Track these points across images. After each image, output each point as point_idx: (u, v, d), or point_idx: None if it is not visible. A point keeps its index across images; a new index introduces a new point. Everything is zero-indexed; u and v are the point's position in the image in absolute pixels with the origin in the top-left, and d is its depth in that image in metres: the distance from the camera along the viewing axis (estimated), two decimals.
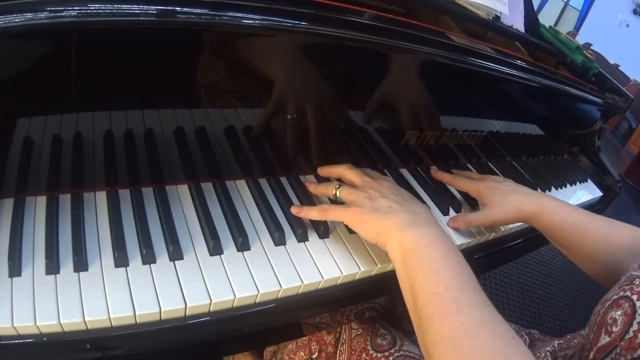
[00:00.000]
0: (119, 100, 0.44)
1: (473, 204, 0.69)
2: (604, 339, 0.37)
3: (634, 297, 0.37)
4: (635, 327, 0.35)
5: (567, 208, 0.58)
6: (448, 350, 0.36)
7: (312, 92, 0.54)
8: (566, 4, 5.95)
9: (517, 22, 0.85)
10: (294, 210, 0.52)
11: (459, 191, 0.70)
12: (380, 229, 0.46)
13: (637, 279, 0.38)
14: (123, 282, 0.40)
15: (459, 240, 0.62)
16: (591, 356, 0.38)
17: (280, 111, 0.52)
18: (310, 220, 0.53)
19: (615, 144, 4.80)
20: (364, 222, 0.48)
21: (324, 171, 0.58)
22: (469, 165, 0.80)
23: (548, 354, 0.55)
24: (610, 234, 0.55)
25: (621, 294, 0.38)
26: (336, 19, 0.48)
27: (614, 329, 0.37)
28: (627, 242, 0.54)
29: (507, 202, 0.60)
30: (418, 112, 0.66)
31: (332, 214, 0.50)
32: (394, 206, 0.48)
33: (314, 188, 0.56)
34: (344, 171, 0.55)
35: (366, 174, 0.54)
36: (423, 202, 0.64)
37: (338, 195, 0.52)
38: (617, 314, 0.37)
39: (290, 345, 0.66)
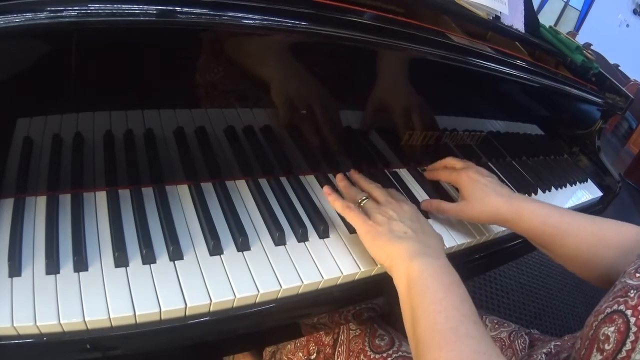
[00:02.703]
0: (119, 100, 0.44)
1: None
2: (596, 357, 0.36)
3: (628, 312, 0.35)
4: (628, 346, 0.33)
5: (547, 209, 0.56)
6: None
7: (311, 93, 0.54)
8: (566, 4, 5.95)
9: (517, 22, 0.85)
10: (327, 189, 0.54)
11: (458, 192, 0.70)
12: (390, 252, 0.47)
13: (632, 291, 0.36)
14: (123, 282, 0.40)
15: (459, 240, 0.62)
16: None
17: (290, 111, 0.53)
18: (310, 220, 0.53)
19: (615, 144, 4.80)
20: (376, 240, 0.48)
21: (355, 177, 0.60)
22: None
23: (543, 356, 0.55)
24: (595, 233, 0.54)
25: (615, 307, 0.37)
26: (336, 19, 0.48)
27: (607, 347, 0.35)
28: (614, 239, 0.53)
29: (486, 201, 0.58)
30: (418, 112, 0.66)
31: (351, 216, 0.51)
32: (409, 233, 0.49)
33: (344, 186, 0.57)
34: (372, 188, 0.56)
35: (390, 195, 0.55)
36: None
37: (362, 205, 0.53)
38: (610, 330, 0.36)
39: (289, 346, 0.66)
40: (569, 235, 0.54)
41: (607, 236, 0.53)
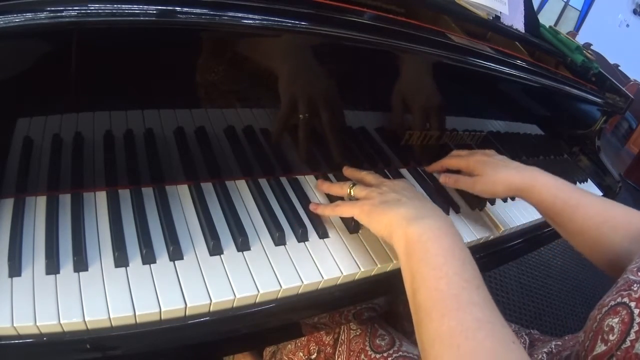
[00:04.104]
0: (119, 100, 0.44)
1: (473, 204, 0.69)
2: (600, 348, 0.36)
3: (632, 304, 0.35)
4: (632, 336, 0.34)
5: (559, 183, 0.57)
6: (444, 349, 0.36)
7: (311, 93, 0.54)
8: (566, 4, 5.95)
9: (517, 22, 0.85)
10: (312, 206, 0.54)
11: (458, 192, 0.70)
12: (388, 221, 0.46)
13: (635, 284, 0.37)
14: (123, 282, 0.40)
15: None
16: None
17: (292, 113, 0.53)
18: (310, 220, 0.53)
19: (615, 144, 4.80)
20: (372, 213, 0.48)
21: (348, 172, 0.60)
22: None
23: (544, 355, 0.55)
24: (604, 212, 0.54)
25: (619, 299, 0.37)
26: (336, 19, 0.48)
27: (611, 338, 0.35)
28: (621, 221, 0.53)
29: (497, 175, 0.60)
30: (418, 112, 0.66)
31: (342, 209, 0.51)
32: (403, 199, 0.48)
33: (327, 187, 0.57)
34: (363, 175, 0.57)
35: (382, 177, 0.55)
36: None
37: (352, 193, 0.53)
38: (614, 321, 0.36)
39: (289, 346, 0.66)
40: (578, 211, 0.55)
41: (616, 218, 0.54)
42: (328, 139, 0.59)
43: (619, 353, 0.34)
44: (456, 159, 0.67)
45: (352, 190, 0.53)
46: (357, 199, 0.52)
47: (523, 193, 0.59)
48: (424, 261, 0.41)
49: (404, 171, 0.70)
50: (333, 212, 0.52)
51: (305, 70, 0.51)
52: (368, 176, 0.56)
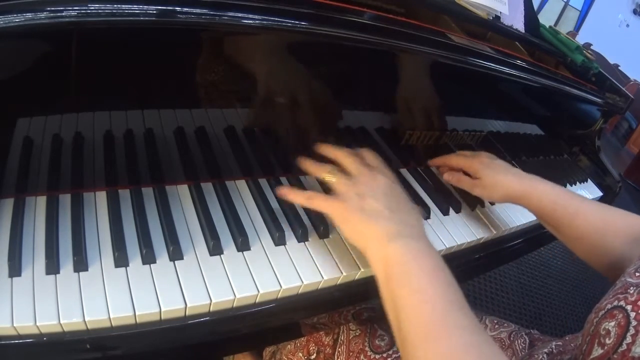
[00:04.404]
0: (119, 100, 0.44)
1: (473, 204, 0.69)
2: (597, 351, 0.36)
3: (628, 307, 0.36)
4: (628, 339, 0.34)
5: (558, 190, 0.58)
6: None
7: (311, 92, 0.54)
8: (566, 4, 5.95)
9: (517, 22, 0.85)
10: (281, 191, 0.49)
11: (458, 192, 0.70)
12: (364, 234, 0.44)
13: (632, 288, 0.37)
14: (123, 282, 0.40)
15: (459, 239, 0.62)
16: None
17: (289, 110, 0.52)
18: (310, 220, 0.53)
19: (615, 144, 4.80)
20: (347, 221, 0.45)
21: (322, 149, 0.53)
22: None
23: (545, 356, 0.55)
24: (603, 218, 0.55)
25: (615, 303, 0.37)
26: (336, 19, 0.48)
27: (607, 341, 0.35)
28: (620, 226, 0.54)
29: (497, 180, 0.61)
30: (418, 112, 0.66)
31: (316, 202, 0.47)
32: (384, 212, 0.44)
33: (305, 164, 0.52)
34: (341, 156, 0.51)
35: (364, 163, 0.50)
36: (424, 202, 0.64)
37: (326, 179, 0.48)
38: (611, 325, 0.36)
39: (289, 346, 0.66)
40: (577, 217, 0.55)
41: (615, 223, 0.54)
42: (328, 138, 0.59)
43: (615, 356, 0.34)
44: (459, 158, 0.67)
45: (329, 175, 0.48)
46: (331, 187, 0.48)
47: (522, 200, 0.60)
48: (405, 285, 0.39)
49: (403, 171, 0.70)
50: (305, 203, 0.48)
51: (304, 69, 0.51)
52: (345, 158, 0.50)
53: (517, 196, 0.60)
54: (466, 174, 0.66)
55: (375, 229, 0.43)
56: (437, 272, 0.40)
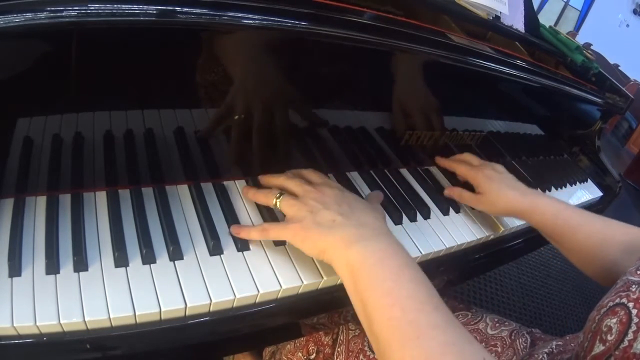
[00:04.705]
0: (119, 100, 0.44)
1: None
2: (598, 348, 0.36)
3: (630, 304, 0.36)
4: (630, 336, 0.34)
5: (560, 206, 0.59)
6: None
7: (311, 92, 0.54)
8: (566, 4, 5.95)
9: (517, 22, 0.85)
10: (233, 230, 0.47)
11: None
12: (324, 246, 0.43)
13: (634, 285, 0.37)
14: (123, 282, 0.40)
15: (459, 239, 0.62)
16: None
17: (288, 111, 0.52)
18: None
19: (615, 144, 4.80)
20: (306, 239, 0.44)
21: (264, 180, 0.53)
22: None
23: (545, 355, 0.55)
24: (603, 231, 0.56)
25: (617, 300, 0.37)
26: (336, 19, 0.48)
27: (609, 338, 0.35)
28: (621, 239, 0.55)
29: (502, 195, 0.61)
30: (418, 112, 0.66)
31: (273, 233, 0.46)
32: (338, 219, 0.44)
33: (253, 194, 0.50)
34: (284, 182, 0.50)
35: (307, 182, 0.49)
36: (424, 202, 0.64)
37: (278, 206, 0.47)
38: (612, 321, 0.36)
39: (288, 346, 0.66)
40: (579, 231, 0.56)
41: (615, 236, 0.55)
42: (327, 138, 0.59)
43: (617, 353, 0.34)
44: (466, 168, 0.67)
45: (278, 201, 0.47)
46: (283, 214, 0.48)
47: (524, 215, 0.61)
48: (372, 289, 0.38)
49: (403, 171, 0.70)
50: (261, 236, 0.46)
51: (305, 69, 0.51)
52: (288, 182, 0.50)
53: (521, 211, 0.61)
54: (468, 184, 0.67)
55: (333, 238, 0.42)
56: (403, 271, 0.39)
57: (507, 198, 0.61)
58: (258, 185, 0.53)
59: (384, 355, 0.36)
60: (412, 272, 0.40)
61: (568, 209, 0.58)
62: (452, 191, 0.65)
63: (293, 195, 0.48)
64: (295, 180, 0.50)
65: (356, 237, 0.42)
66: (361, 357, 0.60)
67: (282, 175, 0.51)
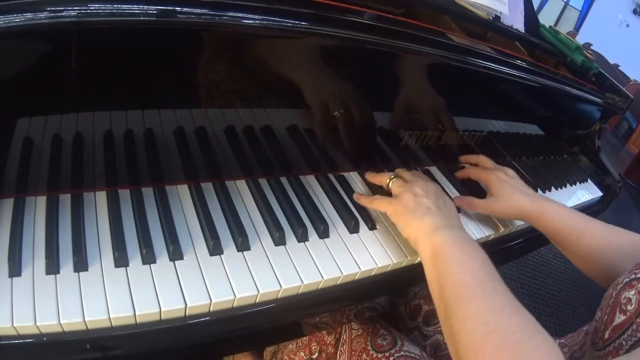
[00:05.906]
0: (119, 100, 0.44)
1: None
2: (619, 318, 0.40)
3: None
4: None
5: (567, 211, 0.61)
6: (475, 326, 0.39)
7: (312, 92, 0.54)
8: (566, 4, 5.94)
9: (517, 22, 0.85)
10: (355, 195, 0.59)
11: (457, 192, 0.70)
12: (417, 227, 0.51)
13: None
14: (123, 282, 0.40)
15: None
16: (606, 336, 0.41)
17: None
18: (310, 220, 0.53)
19: (615, 144, 4.79)
20: (403, 216, 0.52)
21: (371, 177, 0.62)
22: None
23: None
24: (607, 237, 0.58)
25: (632, 276, 0.41)
26: (336, 19, 0.48)
27: (629, 307, 0.40)
28: (624, 244, 0.56)
29: (512, 199, 0.63)
30: (418, 112, 0.66)
31: (377, 203, 0.56)
32: (432, 208, 0.52)
33: (371, 177, 0.62)
34: (399, 170, 0.61)
35: (417, 174, 0.60)
36: None
37: (390, 185, 0.58)
38: (631, 293, 0.40)
39: (290, 346, 0.66)
40: (585, 236, 0.58)
41: (620, 242, 0.57)
42: (328, 139, 0.59)
43: (638, 320, 0.38)
44: (478, 171, 0.69)
45: (391, 182, 0.58)
46: (391, 192, 0.57)
47: (532, 220, 0.62)
48: (449, 261, 0.46)
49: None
50: (370, 205, 0.57)
51: (305, 69, 0.51)
52: (402, 172, 0.61)
53: (529, 216, 0.62)
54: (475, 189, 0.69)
55: (425, 222, 0.51)
56: (476, 252, 0.47)
57: (517, 203, 0.62)
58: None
59: (451, 311, 0.42)
60: (482, 255, 0.47)
61: (575, 215, 0.60)
62: (462, 201, 0.66)
63: (403, 180, 0.58)
64: (407, 171, 0.61)
65: (442, 225, 0.50)
66: (364, 356, 0.60)
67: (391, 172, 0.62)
